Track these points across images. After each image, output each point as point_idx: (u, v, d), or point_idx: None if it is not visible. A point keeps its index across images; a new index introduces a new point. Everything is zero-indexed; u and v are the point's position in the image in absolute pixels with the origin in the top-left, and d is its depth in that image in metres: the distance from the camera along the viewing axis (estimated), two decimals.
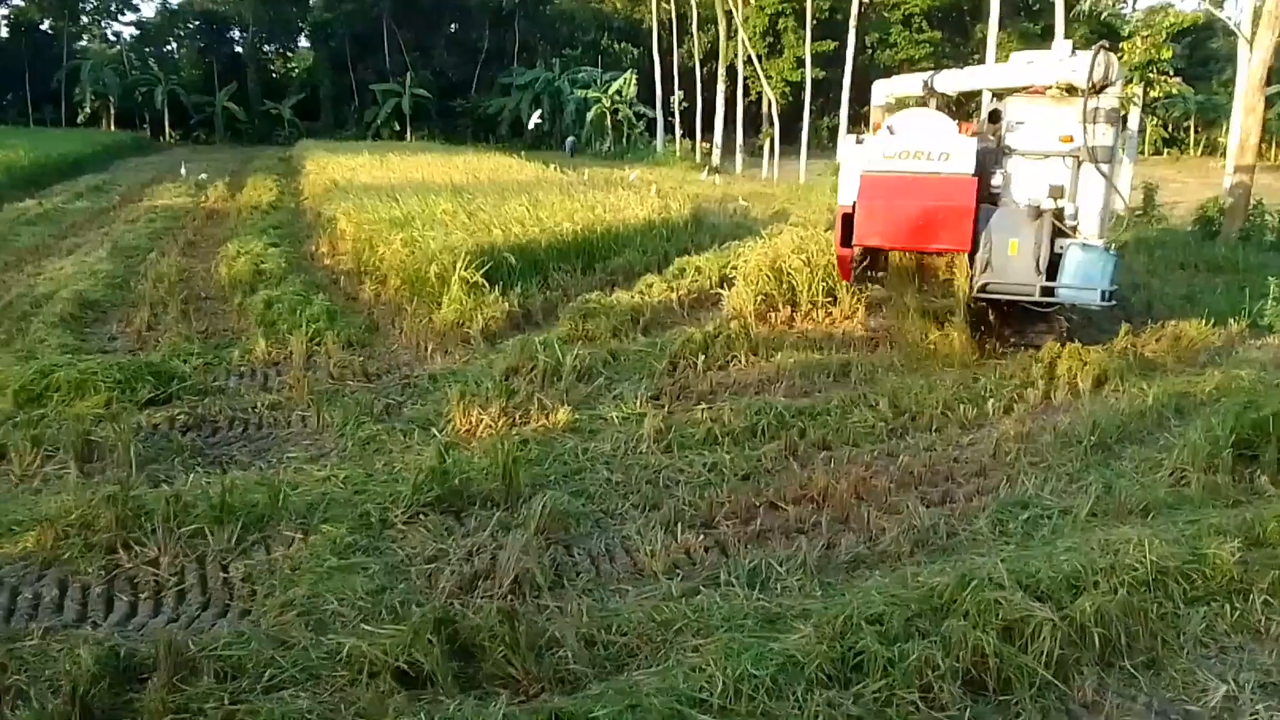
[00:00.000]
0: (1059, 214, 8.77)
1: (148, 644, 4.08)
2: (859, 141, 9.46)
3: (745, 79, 41.01)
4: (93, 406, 7.20)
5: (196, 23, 59.81)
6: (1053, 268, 8.83)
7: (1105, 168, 8.73)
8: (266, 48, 62.69)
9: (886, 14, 52.84)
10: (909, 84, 10.66)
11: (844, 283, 10.47)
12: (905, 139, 8.89)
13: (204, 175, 27.59)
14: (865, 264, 9.88)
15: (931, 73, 10.48)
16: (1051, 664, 4.05)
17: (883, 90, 11.19)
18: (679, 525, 5.58)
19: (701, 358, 8.95)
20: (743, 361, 9.04)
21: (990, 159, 9.05)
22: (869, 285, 10.42)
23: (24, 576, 4.93)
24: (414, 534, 5.30)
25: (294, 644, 4.14)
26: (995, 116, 9.30)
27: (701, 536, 5.46)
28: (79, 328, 10.06)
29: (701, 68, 43.27)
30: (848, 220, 9.11)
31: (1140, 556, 4.73)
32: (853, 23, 31.95)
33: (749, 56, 39.43)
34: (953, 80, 10.22)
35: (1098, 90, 8.54)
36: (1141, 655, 4.28)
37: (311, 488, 5.83)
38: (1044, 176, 8.87)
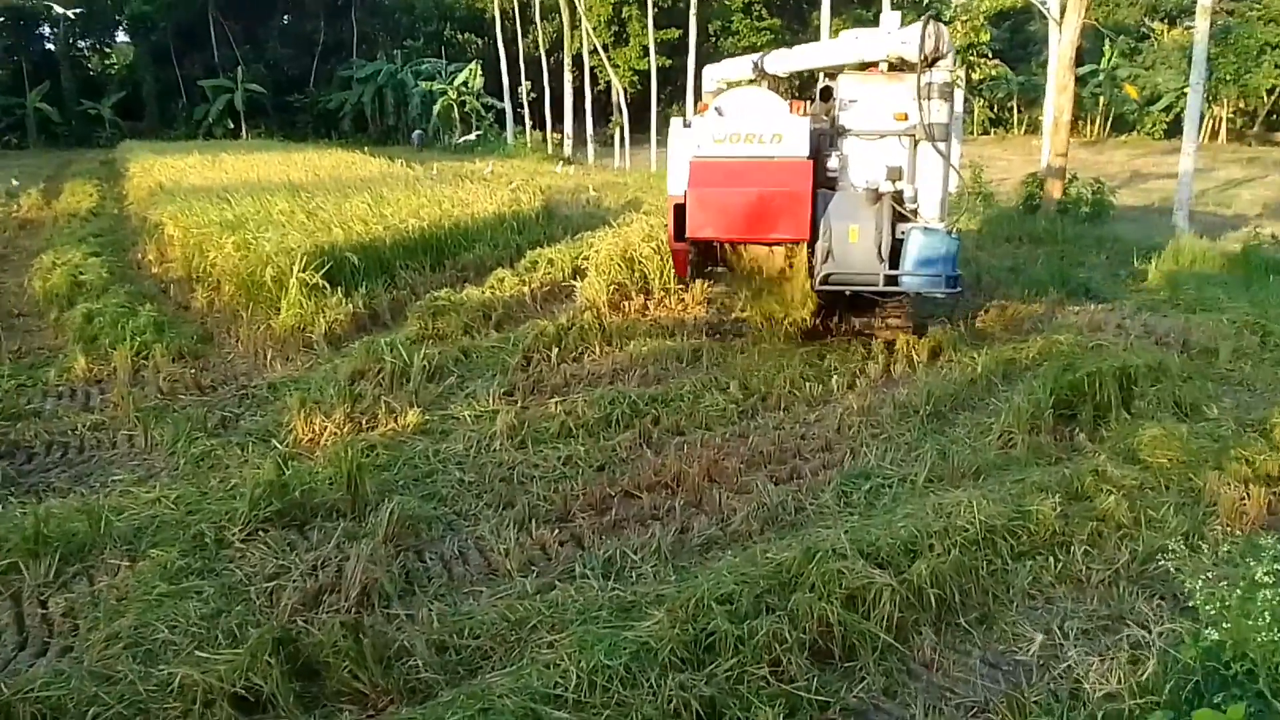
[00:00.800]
0: (898, 197, 8.43)
1: None
2: (686, 125, 8.76)
3: (593, 68, 41.03)
4: None
5: (1, 18, 55.10)
6: (894, 254, 8.47)
7: (943, 146, 8.40)
8: (81, 43, 58.37)
9: (727, 1, 53.86)
10: (739, 67, 10.36)
11: (679, 279, 10.03)
12: (735, 121, 8.38)
13: (15, 182, 25.46)
14: (703, 257, 9.31)
15: (761, 54, 10.07)
16: (892, 628, 4.23)
17: (713, 75, 10.92)
18: (533, 521, 5.53)
19: (555, 350, 8.90)
20: (597, 352, 9.03)
21: (825, 140, 8.70)
22: (708, 280, 9.83)
23: None
24: (253, 552, 5.05)
25: (120, 678, 3.89)
26: (827, 94, 8.88)
27: (556, 531, 5.44)
28: None
29: (548, 57, 43.02)
30: (680, 211, 8.49)
31: (971, 517, 5.00)
32: (693, 10, 32.40)
33: (594, 46, 39.44)
34: (783, 60, 9.83)
35: (930, 64, 8.18)
36: (974, 611, 4.52)
37: (139, 511, 5.48)
38: (881, 157, 8.50)
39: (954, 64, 8.36)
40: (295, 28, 57.28)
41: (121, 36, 59.09)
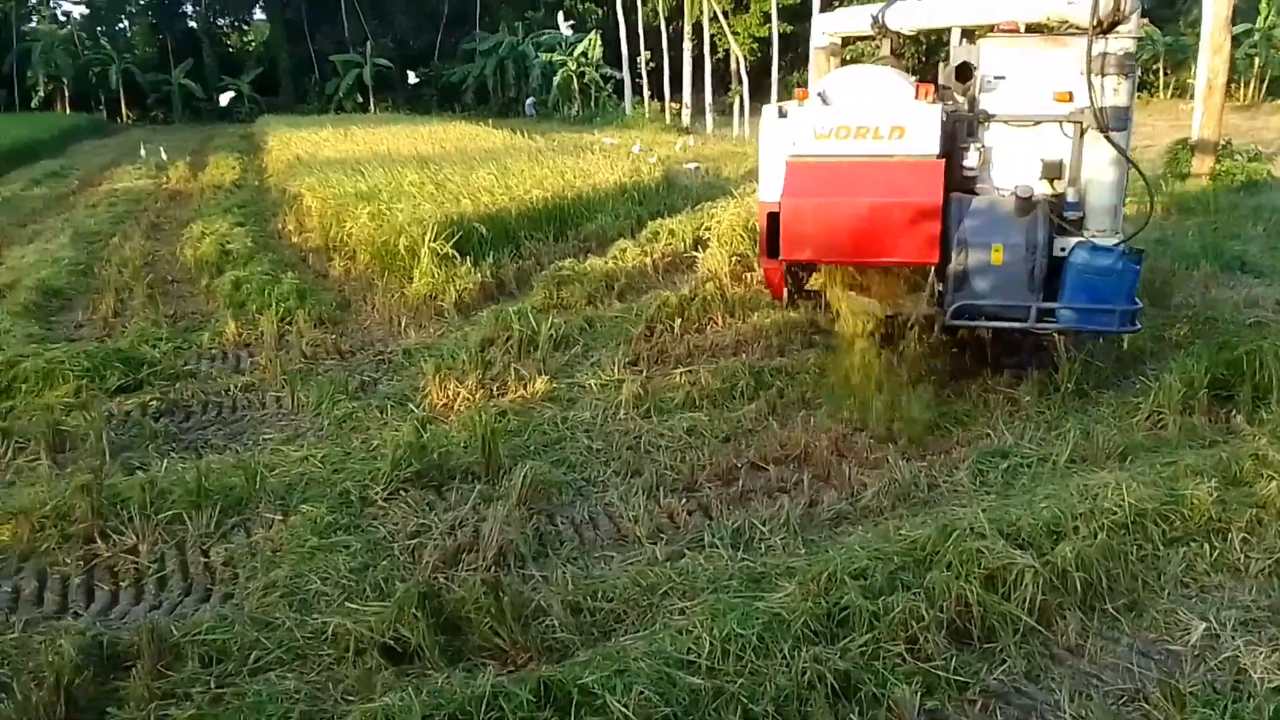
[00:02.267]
0: (1057, 203, 6.48)
1: (130, 632, 4.06)
2: (782, 115, 6.82)
3: (712, 36, 40.58)
4: (62, 396, 7.08)
5: None
6: (1050, 278, 6.48)
7: (1119, 137, 6.40)
8: (220, 21, 61.23)
9: None
10: (857, 19, 7.89)
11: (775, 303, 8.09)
12: (843, 110, 6.39)
13: (164, 156, 27.04)
14: (804, 273, 7.39)
15: (883, 5, 7.41)
16: (1034, 610, 4.10)
17: (824, 27, 8.31)
18: (661, 490, 5.59)
19: (678, 321, 8.89)
20: (719, 323, 9.00)
21: (961, 131, 6.63)
22: (808, 305, 7.74)
23: (1, 569, 4.86)
24: (395, 510, 5.27)
25: (278, 625, 4.12)
26: (965, 72, 6.69)
27: (684, 500, 5.47)
28: (44, 316, 9.87)
29: (668, 26, 42.73)
30: (773, 221, 6.67)
31: (1119, 500, 4.78)
32: None
33: (714, 13, 38.99)
34: (910, 14, 7.39)
35: (1107, 29, 6.20)
36: (1123, 598, 4.33)
37: (289, 468, 5.78)
38: (1035, 151, 6.49)
39: (1137, 29, 6.32)
40: (420, 2, 58.60)
41: (258, 15, 61.71)
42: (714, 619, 3.90)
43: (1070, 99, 6.39)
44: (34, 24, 57.43)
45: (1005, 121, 6.55)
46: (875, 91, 6.46)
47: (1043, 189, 6.51)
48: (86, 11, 58.96)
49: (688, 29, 40.49)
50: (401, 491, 5.48)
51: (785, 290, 7.34)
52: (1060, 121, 6.45)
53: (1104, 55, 6.25)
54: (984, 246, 6.41)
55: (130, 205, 18.39)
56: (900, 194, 6.20)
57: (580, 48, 47.82)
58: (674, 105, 42.25)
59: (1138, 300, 6.57)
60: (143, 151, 27.88)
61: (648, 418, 6.71)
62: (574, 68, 47.57)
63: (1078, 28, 6.34)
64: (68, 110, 53.57)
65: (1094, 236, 6.50)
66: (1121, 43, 6.26)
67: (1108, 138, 6.38)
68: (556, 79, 48.14)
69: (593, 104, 46.85)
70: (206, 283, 11.06)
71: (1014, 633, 4.01)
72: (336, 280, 11.39)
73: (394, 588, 4.33)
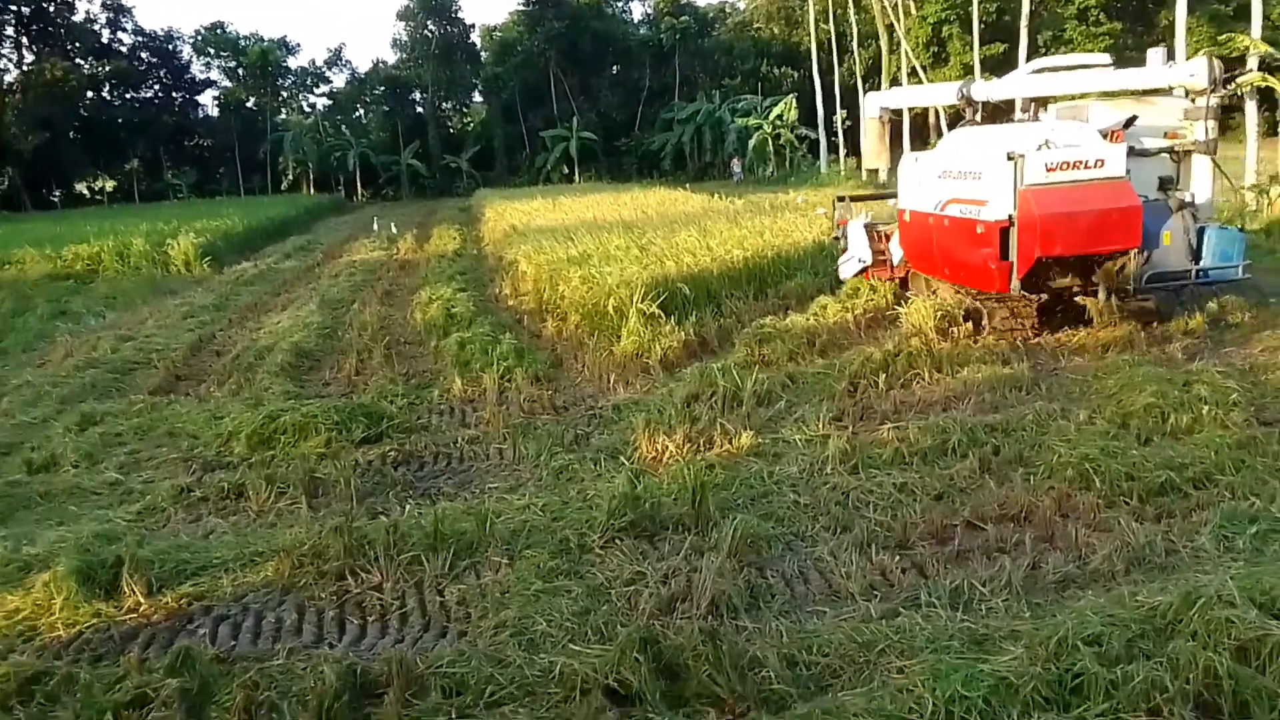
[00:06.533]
0: (1190, 202, 9.95)
1: (380, 663, 4.42)
2: (1010, 158, 9.53)
3: None
4: (315, 446, 7.87)
5: (382, 89, 64.39)
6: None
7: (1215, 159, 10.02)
8: (444, 105, 66.58)
9: (1059, 10, 50.33)
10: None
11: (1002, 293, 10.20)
12: (1061, 151, 9.40)
13: (394, 229, 29.54)
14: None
15: (966, 82, 11.73)
16: None
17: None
18: (872, 546, 5.53)
19: (882, 377, 8.80)
20: (926, 379, 8.82)
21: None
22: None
23: (266, 602, 5.43)
24: (611, 558, 5.49)
25: (510, 662, 4.38)
26: (1130, 123, 9.94)
27: (897, 557, 5.39)
28: (297, 375, 11.01)
29: (864, 84, 42.63)
30: (1004, 235, 9.56)
31: None
32: (1024, 22, 30.71)
33: (913, 68, 38.53)
34: (1023, 86, 11.18)
35: (1212, 90, 9.67)
36: None
37: (513, 516, 6.15)
38: (1154, 170, 10.05)
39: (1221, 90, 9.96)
40: (623, 76, 61.49)
41: (476, 98, 66.62)
42: (936, 680, 3.82)
43: (1176, 136, 10.04)
44: (284, 116, 64.71)
45: (1140, 154, 9.94)
46: (1079, 138, 9.59)
47: (1187, 195, 9.97)
48: (329, 103, 65.80)
49: (885, 85, 40.19)
50: (617, 540, 5.70)
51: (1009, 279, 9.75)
52: (1172, 152, 10.08)
53: (1208, 106, 9.74)
54: (1157, 235, 9.70)
55: (366, 274, 20.23)
56: (1115, 202, 9.28)
57: (776, 111, 48.44)
58: None
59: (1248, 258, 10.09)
60: (375, 226, 30.60)
61: (855, 473, 6.65)
62: (769, 130, 48.17)
63: (1192, 90, 9.91)
64: (312, 191, 59.79)
65: (1208, 222, 10.04)
66: (1216, 99, 9.79)
67: (1212, 159, 9.96)
68: (752, 142, 48.89)
69: (788, 164, 47.17)
70: (434, 343, 11.99)
71: (1270, 709, 3.67)
72: (549, 340, 12.04)
73: (614, 631, 4.52)
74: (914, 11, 49.99)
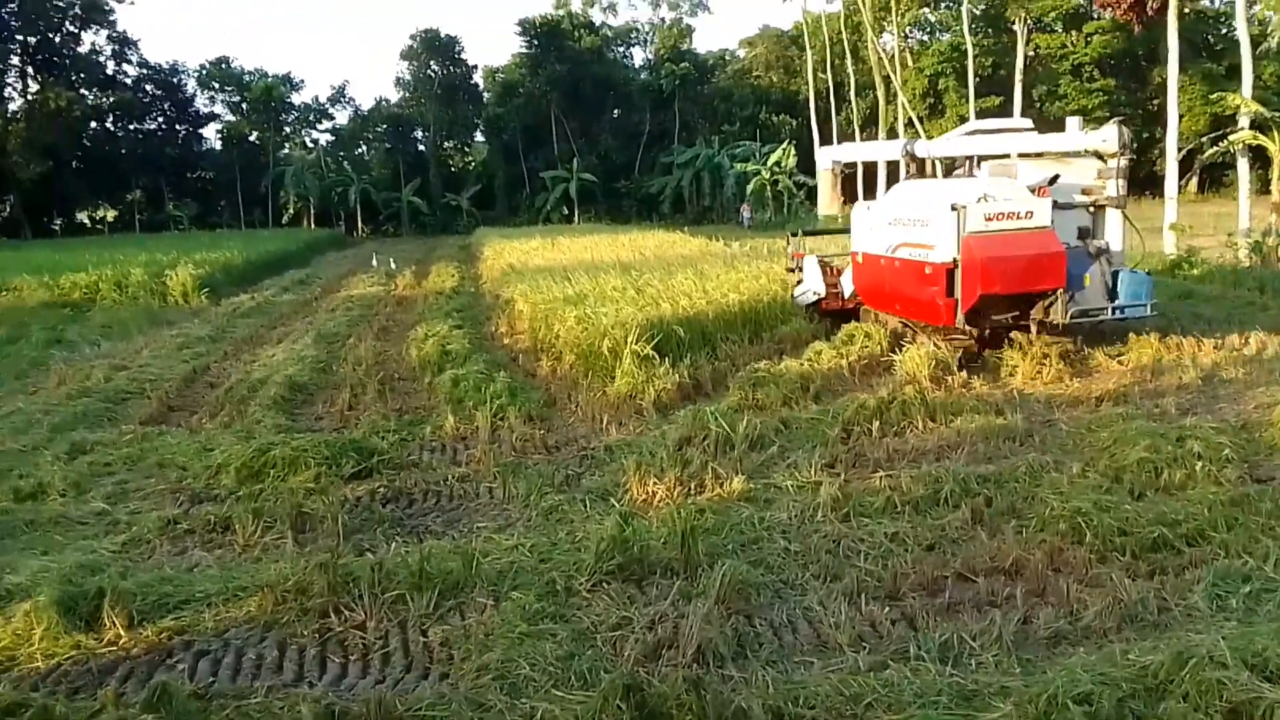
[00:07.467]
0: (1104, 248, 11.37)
1: (359, 704, 4.36)
2: (867, 208, 12.35)
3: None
4: (304, 481, 7.82)
5: (384, 126, 64.93)
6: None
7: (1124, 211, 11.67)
8: (446, 144, 67.10)
9: (1054, 65, 51.16)
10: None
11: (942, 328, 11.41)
12: (997, 203, 10.60)
13: (393, 265, 29.64)
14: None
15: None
16: None
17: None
18: (862, 596, 5.48)
19: (876, 424, 8.77)
20: (920, 427, 8.80)
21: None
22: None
23: (248, 638, 5.35)
24: (598, 602, 5.44)
25: (491, 706, 4.33)
26: (1054, 180, 11.19)
27: (887, 608, 5.34)
28: (290, 409, 10.96)
29: (861, 133, 43.20)
30: (950, 274, 10.66)
31: None
32: (1018, 76, 31.20)
33: (909, 119, 39.03)
34: (949, 147, 13.03)
35: (1121, 153, 11.31)
36: None
37: (500, 556, 6.10)
38: (1073, 221, 11.49)
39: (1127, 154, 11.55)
40: (624, 120, 62.12)
41: (478, 137, 67.21)
42: None
43: (1090, 193, 11.63)
44: (287, 150, 65.18)
45: (1062, 207, 11.30)
46: (1012, 193, 11.00)
47: (1102, 242, 11.53)
48: (332, 138, 66.34)
49: (882, 134, 40.70)
50: (604, 583, 5.65)
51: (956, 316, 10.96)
52: (1089, 206, 11.68)
53: (1119, 167, 11.39)
54: (1080, 277, 11.04)
55: (364, 310, 20.25)
56: (1044, 248, 10.62)
57: (774, 157, 48.96)
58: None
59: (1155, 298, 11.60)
60: (374, 262, 30.69)
61: (846, 521, 6.62)
62: (768, 176, 48.64)
63: (1101, 155, 11.56)
64: (312, 225, 60.02)
65: (1120, 267, 11.52)
66: (1125, 160, 11.44)
67: (1123, 212, 11.65)
68: (750, 187, 49.35)
69: (785, 210, 47.57)
70: (429, 380, 11.96)
71: None
72: (544, 379, 12.03)
73: (598, 678, 4.45)
74: (910, 64, 50.82)
